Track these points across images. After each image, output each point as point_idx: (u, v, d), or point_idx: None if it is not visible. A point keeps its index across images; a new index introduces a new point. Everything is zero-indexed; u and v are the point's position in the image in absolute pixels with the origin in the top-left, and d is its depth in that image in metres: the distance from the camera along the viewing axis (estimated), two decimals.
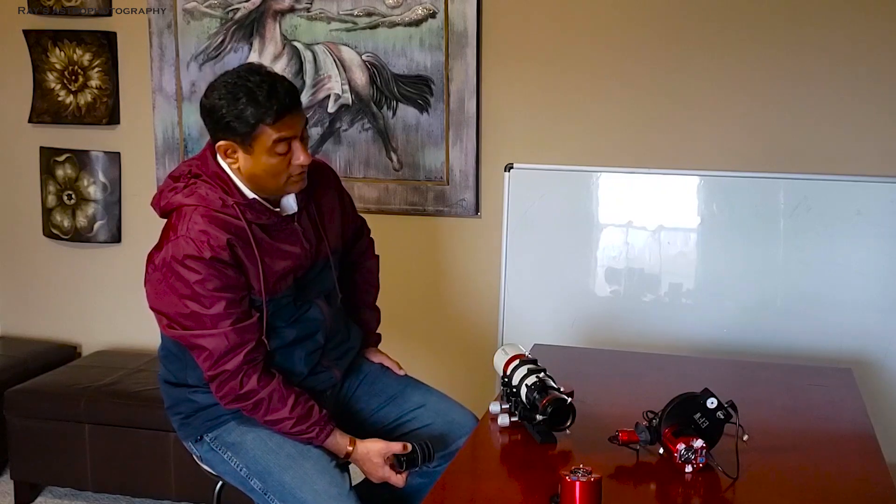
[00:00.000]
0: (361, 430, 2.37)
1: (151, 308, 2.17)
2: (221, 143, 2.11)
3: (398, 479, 2.18)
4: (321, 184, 2.33)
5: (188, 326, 2.10)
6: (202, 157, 2.20)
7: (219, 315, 2.08)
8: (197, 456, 2.35)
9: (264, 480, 2.19)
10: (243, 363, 2.10)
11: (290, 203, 2.22)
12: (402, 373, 2.50)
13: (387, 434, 2.35)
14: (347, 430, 2.27)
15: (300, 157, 2.11)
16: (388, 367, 2.50)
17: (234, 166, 2.14)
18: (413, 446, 2.17)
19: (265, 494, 2.20)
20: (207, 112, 2.11)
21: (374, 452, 2.19)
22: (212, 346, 2.09)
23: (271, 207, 2.18)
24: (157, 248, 2.14)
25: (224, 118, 2.07)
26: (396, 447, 2.18)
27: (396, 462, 2.17)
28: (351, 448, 2.21)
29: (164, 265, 2.09)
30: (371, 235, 2.59)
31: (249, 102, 2.04)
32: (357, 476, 2.26)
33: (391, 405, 2.41)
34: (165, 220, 2.20)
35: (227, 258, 2.08)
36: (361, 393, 2.43)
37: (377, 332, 2.57)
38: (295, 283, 2.21)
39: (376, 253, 2.59)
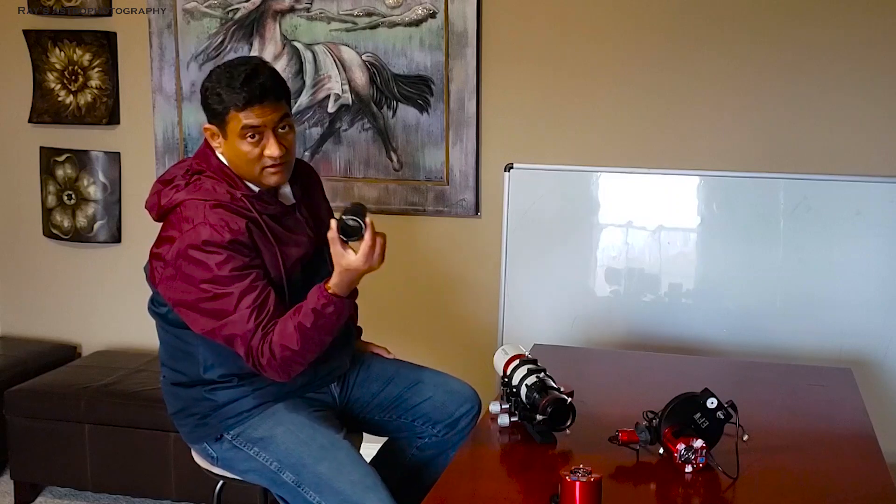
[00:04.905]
0: (365, 415, 2.42)
1: (175, 307, 2.16)
2: (206, 125, 2.20)
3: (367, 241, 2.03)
4: (311, 184, 2.41)
5: (213, 313, 2.08)
6: (201, 155, 2.23)
7: (241, 293, 2.07)
8: (213, 458, 2.30)
9: (298, 473, 2.17)
10: (262, 336, 2.08)
11: (287, 194, 2.29)
12: (390, 356, 2.54)
13: (391, 413, 2.41)
14: (352, 418, 2.35)
15: (271, 149, 2.15)
16: (377, 353, 2.54)
17: (219, 150, 2.20)
18: (339, 220, 2.03)
19: (298, 487, 2.17)
20: (200, 94, 2.20)
21: (337, 255, 2.06)
22: (241, 331, 2.08)
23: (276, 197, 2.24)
24: (166, 243, 2.13)
25: (206, 99, 2.17)
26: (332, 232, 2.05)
27: (345, 235, 2.04)
28: (329, 281, 2.08)
29: (178, 256, 2.10)
30: None
31: (226, 87, 2.12)
32: (369, 458, 2.30)
33: (390, 386, 2.44)
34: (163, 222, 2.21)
35: (247, 240, 2.11)
36: (360, 380, 2.45)
37: (358, 325, 2.61)
38: (302, 269, 2.24)
39: None
